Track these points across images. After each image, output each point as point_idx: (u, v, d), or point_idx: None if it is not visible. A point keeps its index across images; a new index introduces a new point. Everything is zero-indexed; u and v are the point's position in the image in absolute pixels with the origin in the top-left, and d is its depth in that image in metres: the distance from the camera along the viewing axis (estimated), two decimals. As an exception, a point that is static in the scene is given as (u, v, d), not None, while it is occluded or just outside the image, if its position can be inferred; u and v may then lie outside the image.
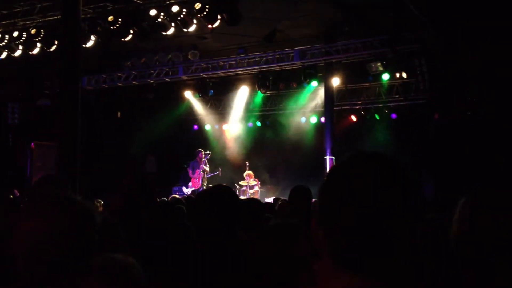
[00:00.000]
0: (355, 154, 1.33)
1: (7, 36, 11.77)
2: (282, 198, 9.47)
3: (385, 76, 14.41)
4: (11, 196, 11.31)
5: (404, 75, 14.66)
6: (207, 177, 15.46)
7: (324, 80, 14.70)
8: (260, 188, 15.73)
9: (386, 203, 1.21)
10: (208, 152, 15.75)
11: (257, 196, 14.57)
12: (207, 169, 15.37)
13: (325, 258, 1.23)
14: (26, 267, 1.67)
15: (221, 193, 3.01)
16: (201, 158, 15.32)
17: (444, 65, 12.92)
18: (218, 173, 15.77)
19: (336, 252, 1.22)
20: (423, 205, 1.32)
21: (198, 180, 15.09)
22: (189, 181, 15.75)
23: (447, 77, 13.18)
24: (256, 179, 15.77)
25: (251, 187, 15.47)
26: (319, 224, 1.25)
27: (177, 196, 12.39)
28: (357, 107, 16.68)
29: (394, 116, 16.06)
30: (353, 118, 16.83)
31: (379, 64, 13.30)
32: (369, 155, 1.32)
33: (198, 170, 15.23)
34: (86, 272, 1.70)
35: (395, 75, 14.77)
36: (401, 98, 15.77)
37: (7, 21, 11.93)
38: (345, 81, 15.99)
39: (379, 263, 1.19)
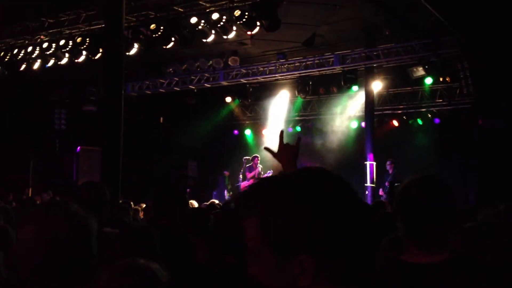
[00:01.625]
0: (308, 173, 1.23)
1: (54, 45, 12.17)
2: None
3: (428, 80, 14.19)
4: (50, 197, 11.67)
5: (448, 79, 14.40)
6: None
7: (364, 84, 14.57)
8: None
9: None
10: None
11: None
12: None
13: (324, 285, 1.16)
14: (24, 273, 1.68)
15: None
16: (256, 164, 15.35)
17: (488, 68, 12.62)
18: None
19: (345, 275, 1.16)
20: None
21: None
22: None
23: (491, 81, 12.86)
24: None
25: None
26: (308, 253, 1.14)
27: (216, 201, 12.53)
28: (399, 111, 16.45)
29: (437, 121, 15.76)
30: (395, 123, 16.60)
31: (421, 68, 13.09)
32: (320, 173, 1.24)
33: (252, 173, 15.22)
34: (87, 279, 1.70)
35: (438, 79, 14.52)
36: (444, 103, 15.47)
37: (54, 30, 12.35)
38: (386, 85, 15.80)
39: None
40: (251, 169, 15.39)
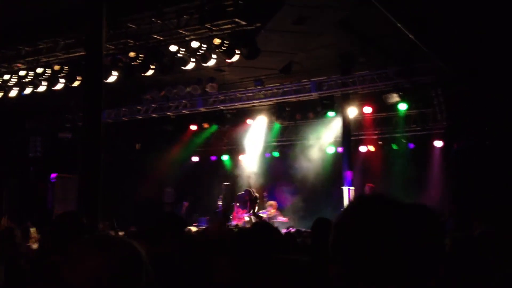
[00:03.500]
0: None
1: (31, 73, 12.10)
2: (303, 229, 9.45)
3: (402, 106, 14.48)
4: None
5: (421, 105, 14.72)
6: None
7: (341, 110, 14.79)
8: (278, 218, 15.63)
9: None
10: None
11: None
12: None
13: None
14: None
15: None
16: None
17: (461, 95, 12.96)
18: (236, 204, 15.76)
19: None
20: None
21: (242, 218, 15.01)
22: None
23: (464, 107, 13.19)
24: (278, 211, 15.65)
25: (272, 217, 15.37)
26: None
27: (193, 229, 12.51)
28: (374, 137, 16.69)
29: (411, 146, 16.02)
30: (371, 148, 16.82)
31: (395, 94, 13.39)
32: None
33: (246, 210, 15.10)
34: None
35: (412, 105, 14.83)
36: (418, 128, 15.76)
37: (31, 58, 12.28)
38: (362, 111, 16.04)
39: None
40: (243, 201, 15.29)
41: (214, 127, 17.78)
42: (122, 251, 1.72)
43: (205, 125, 18.13)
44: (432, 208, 2.48)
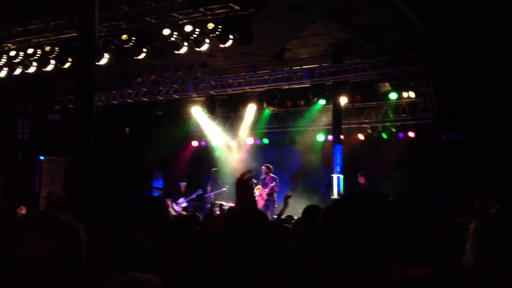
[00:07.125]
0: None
1: (21, 53, 11.95)
2: (296, 217, 9.46)
3: (393, 95, 14.55)
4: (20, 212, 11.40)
5: (412, 94, 14.79)
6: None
7: (332, 98, 14.81)
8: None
9: None
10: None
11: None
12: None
13: None
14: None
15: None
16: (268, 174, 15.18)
17: (452, 85, 13.03)
18: (226, 190, 15.86)
19: None
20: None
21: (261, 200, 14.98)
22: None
23: (455, 97, 13.27)
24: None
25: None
26: None
27: (184, 213, 12.49)
28: (365, 125, 16.75)
29: (401, 135, 16.12)
30: (361, 136, 16.88)
31: (387, 84, 13.43)
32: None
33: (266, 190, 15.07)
34: None
35: (402, 95, 14.90)
36: (408, 118, 15.85)
37: (22, 38, 12.13)
38: (352, 100, 16.09)
39: None
40: (263, 180, 15.26)
41: (205, 112, 17.74)
42: (59, 232, 1.69)
43: (195, 110, 18.12)
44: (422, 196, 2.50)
